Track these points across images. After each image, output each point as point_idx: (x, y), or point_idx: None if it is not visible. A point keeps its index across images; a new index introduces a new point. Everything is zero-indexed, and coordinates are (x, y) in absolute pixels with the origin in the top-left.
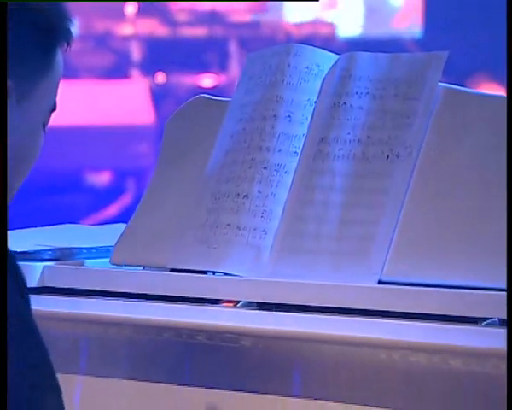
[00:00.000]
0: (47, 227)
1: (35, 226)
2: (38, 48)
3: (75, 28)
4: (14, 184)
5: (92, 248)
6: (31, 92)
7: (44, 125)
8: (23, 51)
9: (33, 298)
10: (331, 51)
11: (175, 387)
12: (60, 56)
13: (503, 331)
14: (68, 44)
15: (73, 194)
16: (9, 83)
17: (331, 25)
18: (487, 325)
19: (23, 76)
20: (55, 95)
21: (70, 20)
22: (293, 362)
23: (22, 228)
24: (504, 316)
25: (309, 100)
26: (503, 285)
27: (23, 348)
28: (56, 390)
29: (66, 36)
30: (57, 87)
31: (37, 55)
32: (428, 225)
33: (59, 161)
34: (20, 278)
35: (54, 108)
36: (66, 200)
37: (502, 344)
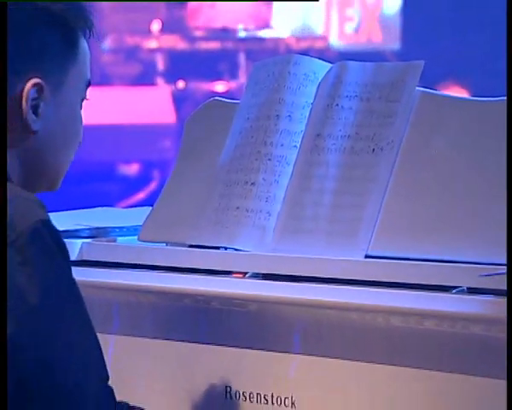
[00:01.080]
0: (86, 210)
1: (76, 209)
2: (61, 44)
3: (92, 15)
4: (66, 161)
5: (123, 227)
6: (62, 82)
7: (82, 100)
8: (47, 50)
9: (73, 270)
10: (325, 61)
11: (192, 345)
12: (83, 43)
13: (471, 298)
14: (90, 30)
15: (108, 182)
16: (39, 80)
17: (325, 39)
18: (457, 292)
19: (52, 70)
20: (87, 73)
21: (85, 10)
22: (293, 324)
23: (65, 210)
24: (472, 284)
25: (306, 102)
26: (471, 258)
27: (68, 301)
28: (96, 339)
29: (85, 25)
30: (87, 67)
31: (61, 51)
32: (408, 208)
33: (96, 154)
34: (64, 247)
35: (89, 84)
36: (102, 187)
37: (469, 309)
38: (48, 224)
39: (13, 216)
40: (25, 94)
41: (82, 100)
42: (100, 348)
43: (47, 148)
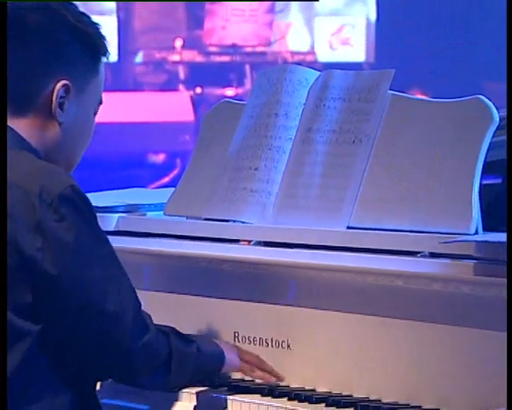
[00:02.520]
0: (122, 190)
1: (114, 189)
2: (88, 59)
3: (109, 46)
4: (79, 153)
5: (152, 204)
6: (85, 88)
7: (95, 113)
8: (77, 61)
9: (111, 238)
10: (314, 69)
11: (207, 299)
12: (102, 65)
13: (433, 261)
14: (106, 57)
15: (140, 168)
16: (67, 82)
17: (314, 53)
18: (421, 256)
19: (78, 77)
20: (101, 93)
21: (106, 40)
22: (289, 282)
23: (106, 190)
24: (434, 250)
25: (300, 102)
26: (433, 229)
27: (99, 244)
28: (125, 273)
29: (105, 51)
30: (102, 87)
31: (87, 64)
32: (381, 189)
33: (131, 146)
34: (89, 204)
35: (100, 102)
36: (135, 172)
37: (431, 270)
38: (76, 187)
39: (47, 184)
40: (55, 91)
41: (94, 113)
42: (129, 281)
43: (66, 138)
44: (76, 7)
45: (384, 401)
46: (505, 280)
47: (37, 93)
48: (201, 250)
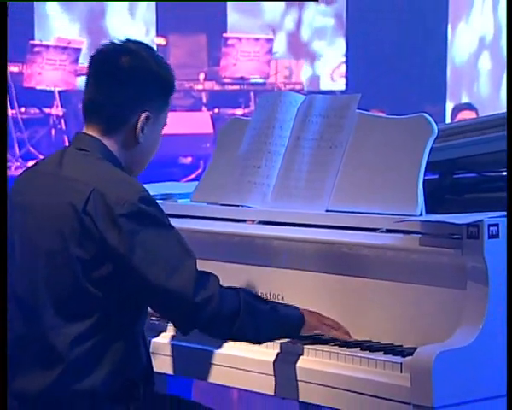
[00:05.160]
0: (160, 183)
1: (155, 183)
2: (163, 96)
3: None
4: (149, 161)
5: (182, 193)
6: (158, 118)
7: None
8: (157, 99)
9: None
10: (302, 94)
11: (222, 263)
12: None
13: (389, 235)
14: (172, 92)
15: (173, 167)
16: (149, 114)
17: (301, 83)
18: (380, 232)
19: (156, 110)
20: (167, 117)
21: (174, 78)
22: (282, 250)
23: (149, 183)
24: (389, 227)
25: (291, 118)
26: (389, 211)
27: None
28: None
29: (172, 89)
30: (167, 114)
31: (162, 100)
32: (351, 182)
33: (167, 151)
34: (158, 207)
35: (165, 123)
36: (170, 170)
37: (387, 241)
38: (143, 196)
39: (122, 192)
40: (140, 121)
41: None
42: (189, 253)
43: (142, 152)
44: (156, 53)
45: (354, 338)
46: (444, 250)
47: (126, 120)
48: (218, 228)
